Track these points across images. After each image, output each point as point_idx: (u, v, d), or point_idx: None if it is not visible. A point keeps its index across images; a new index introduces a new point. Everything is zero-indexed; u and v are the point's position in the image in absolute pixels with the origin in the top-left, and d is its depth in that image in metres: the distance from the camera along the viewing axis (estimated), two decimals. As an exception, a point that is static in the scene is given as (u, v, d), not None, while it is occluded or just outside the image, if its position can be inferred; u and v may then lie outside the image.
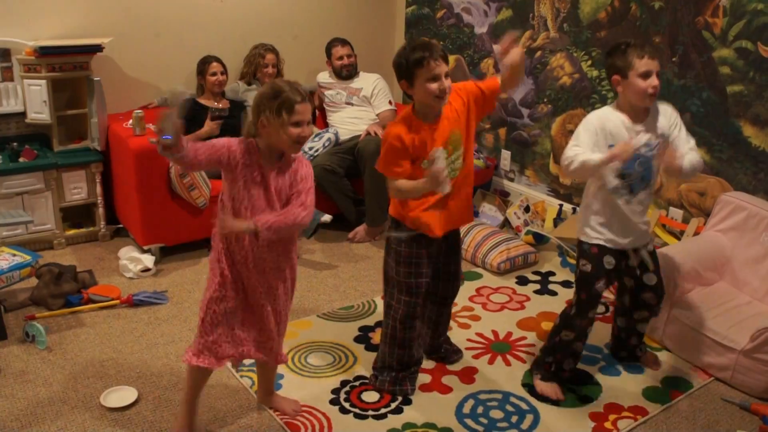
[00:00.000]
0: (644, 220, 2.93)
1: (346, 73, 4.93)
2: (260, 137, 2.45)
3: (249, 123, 2.49)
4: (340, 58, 4.91)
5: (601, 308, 3.66)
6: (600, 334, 3.40)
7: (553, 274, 4.19)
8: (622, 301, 3.17)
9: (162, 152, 2.34)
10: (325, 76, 5.04)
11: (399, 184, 2.69)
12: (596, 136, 2.74)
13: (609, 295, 3.65)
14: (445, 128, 2.71)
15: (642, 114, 2.78)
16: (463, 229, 4.34)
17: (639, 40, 2.78)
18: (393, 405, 2.95)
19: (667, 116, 2.83)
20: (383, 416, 2.88)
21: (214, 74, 4.63)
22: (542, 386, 3.06)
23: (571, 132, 4.46)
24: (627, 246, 2.93)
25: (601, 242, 2.88)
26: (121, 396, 2.95)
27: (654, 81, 2.68)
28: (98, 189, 4.40)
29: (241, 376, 3.09)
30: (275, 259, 2.56)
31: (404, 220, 2.83)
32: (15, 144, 4.24)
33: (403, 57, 2.64)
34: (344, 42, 4.90)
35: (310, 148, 4.61)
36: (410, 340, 2.99)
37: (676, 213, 4.02)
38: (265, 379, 2.88)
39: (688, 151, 2.79)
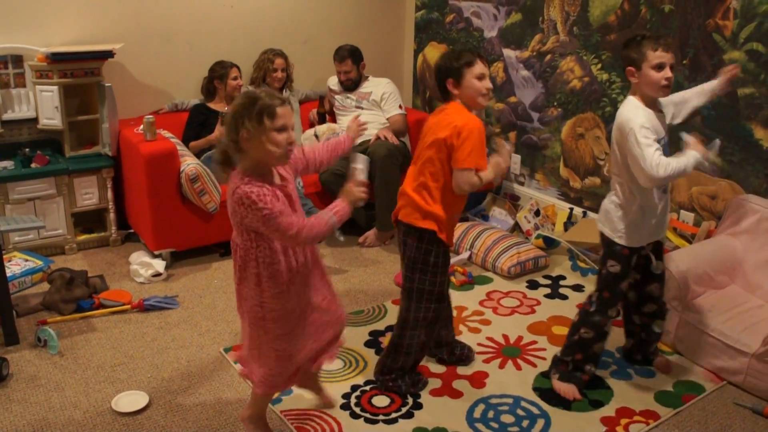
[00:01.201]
0: (669, 207, 2.99)
1: (346, 86, 4.93)
2: (244, 156, 2.27)
3: (225, 146, 2.31)
4: (339, 73, 4.93)
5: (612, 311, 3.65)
6: (612, 338, 3.38)
7: (563, 278, 4.18)
8: (628, 299, 3.17)
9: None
10: (334, 81, 5.05)
11: (485, 176, 2.78)
12: (652, 129, 2.75)
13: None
14: None
15: (656, 105, 2.82)
16: (473, 233, 4.37)
17: (654, 33, 2.79)
18: (404, 410, 2.94)
19: (666, 105, 2.90)
20: (394, 421, 2.88)
21: (235, 78, 4.65)
22: (559, 386, 3.05)
23: (582, 135, 4.49)
24: (652, 239, 2.97)
25: (638, 244, 2.90)
26: (133, 401, 2.95)
27: (667, 73, 2.71)
28: (109, 194, 4.42)
29: (252, 381, 3.09)
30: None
31: (440, 226, 2.86)
32: (27, 150, 4.27)
33: (452, 59, 2.83)
34: (343, 58, 4.85)
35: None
36: (425, 346, 3.05)
37: (688, 216, 4.00)
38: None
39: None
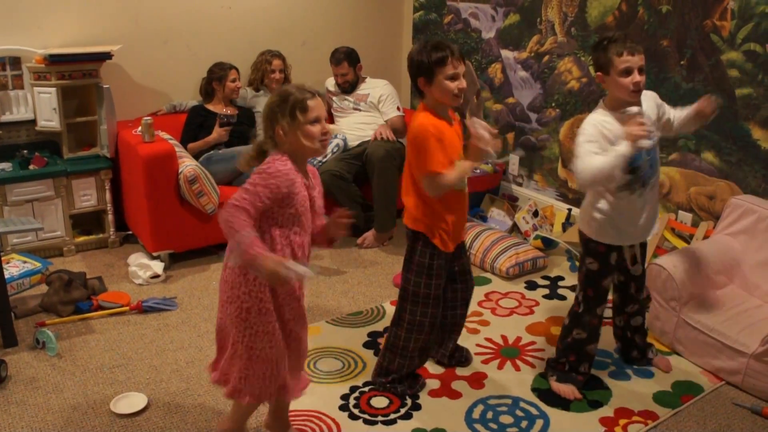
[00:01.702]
0: (655, 210, 2.95)
1: (344, 88, 4.94)
2: (282, 150, 2.32)
3: (261, 142, 2.37)
4: (336, 75, 4.93)
5: (609, 312, 3.65)
6: (609, 338, 3.39)
7: (562, 278, 4.18)
8: (614, 299, 3.20)
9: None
10: (332, 83, 5.05)
11: (448, 178, 2.65)
12: (599, 143, 2.69)
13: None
14: (459, 132, 2.81)
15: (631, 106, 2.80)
16: (471, 234, 4.37)
17: (620, 34, 2.72)
18: (402, 411, 2.94)
19: (648, 99, 2.83)
20: (393, 422, 2.88)
21: (234, 81, 4.65)
22: (559, 387, 3.06)
23: (580, 136, 4.49)
24: (634, 241, 2.95)
25: (612, 242, 2.89)
26: (131, 402, 2.95)
27: (635, 77, 2.66)
28: (108, 196, 4.42)
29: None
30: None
31: (432, 230, 2.84)
32: (25, 151, 4.26)
33: (423, 55, 2.69)
34: (339, 61, 4.85)
35: (318, 154, 4.62)
36: (421, 350, 3.04)
37: (686, 217, 4.01)
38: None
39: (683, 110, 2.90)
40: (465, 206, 2.91)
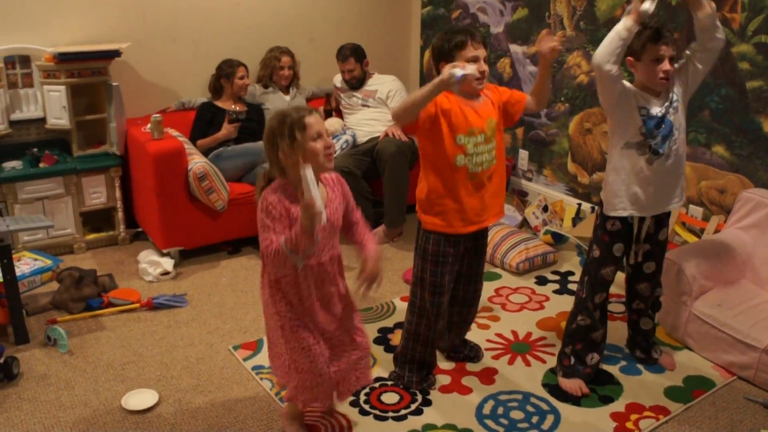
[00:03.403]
0: (671, 189, 2.91)
1: (351, 84, 4.93)
2: (288, 173, 2.32)
3: (268, 171, 2.37)
4: (343, 72, 4.92)
5: (620, 307, 3.64)
6: (620, 333, 3.38)
7: (572, 273, 4.17)
8: (626, 292, 3.21)
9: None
10: (339, 80, 5.05)
11: (409, 101, 2.58)
12: (628, 91, 2.78)
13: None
14: (488, 108, 2.79)
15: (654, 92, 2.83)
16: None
17: (659, 24, 2.77)
18: (413, 406, 2.94)
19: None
20: (403, 417, 2.88)
21: (242, 78, 4.66)
22: (565, 383, 3.06)
23: (589, 131, 4.47)
24: (643, 212, 2.91)
25: (619, 211, 2.88)
26: (142, 399, 2.96)
27: (665, 66, 2.72)
28: (117, 193, 4.43)
29: (261, 379, 3.10)
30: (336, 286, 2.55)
31: (429, 226, 2.84)
32: (35, 150, 4.28)
33: (444, 40, 2.71)
34: (345, 57, 4.84)
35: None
36: (434, 338, 3.03)
37: (696, 211, 3.99)
38: None
39: None
40: (481, 194, 2.83)
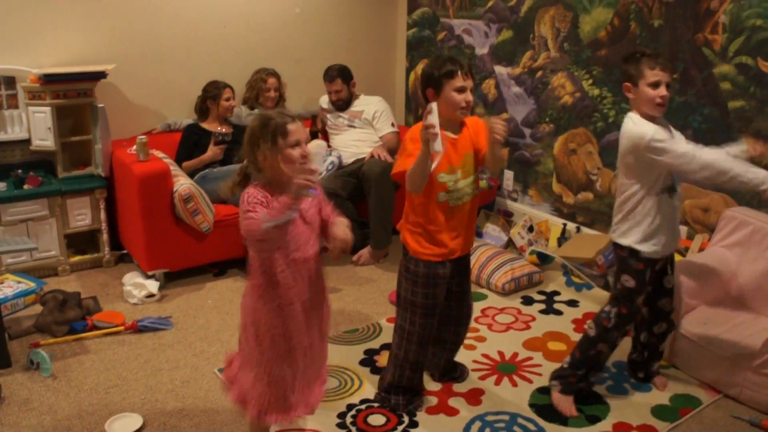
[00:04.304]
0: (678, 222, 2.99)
1: (338, 105, 4.95)
2: (264, 175, 2.37)
3: (244, 166, 2.42)
4: (329, 93, 4.94)
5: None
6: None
7: (558, 293, 4.17)
8: (641, 314, 3.17)
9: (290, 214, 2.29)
10: (325, 101, 5.06)
11: (409, 171, 2.66)
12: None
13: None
14: (465, 143, 2.81)
15: (657, 121, 2.83)
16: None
17: (654, 51, 2.82)
18: (400, 428, 2.92)
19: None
20: (390, 439, 2.86)
21: (228, 99, 4.66)
22: (559, 399, 3.04)
23: (574, 151, 4.50)
24: (671, 249, 2.97)
25: (653, 255, 2.88)
26: (126, 423, 2.93)
27: (662, 91, 2.74)
28: (102, 215, 4.41)
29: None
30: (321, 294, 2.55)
31: (418, 254, 2.85)
32: (20, 171, 4.26)
33: (434, 67, 2.76)
34: (332, 78, 4.87)
35: (314, 172, 4.62)
36: (423, 363, 3.03)
37: (681, 230, 4.01)
38: None
39: None
40: (461, 224, 2.88)
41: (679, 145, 2.72)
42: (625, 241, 2.90)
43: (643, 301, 3.06)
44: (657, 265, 3.00)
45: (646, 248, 2.87)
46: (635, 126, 2.78)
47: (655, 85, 2.74)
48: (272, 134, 2.31)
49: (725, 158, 2.68)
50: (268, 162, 2.33)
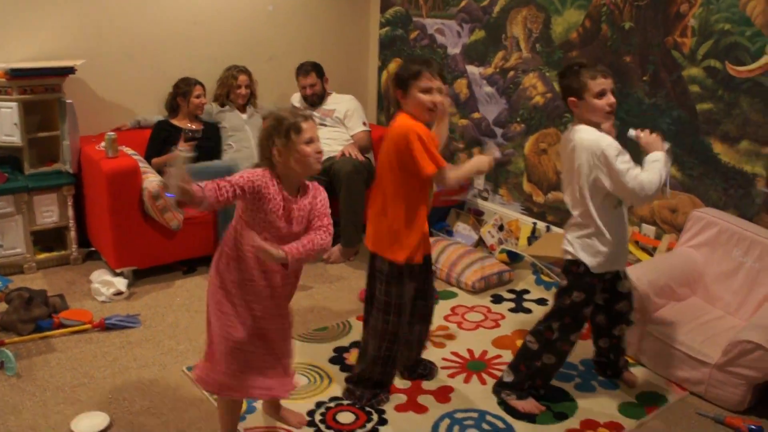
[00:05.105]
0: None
1: (311, 100, 4.94)
2: (277, 169, 2.46)
3: (258, 164, 2.51)
4: (303, 87, 4.93)
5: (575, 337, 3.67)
6: (575, 350, 3.40)
7: (527, 292, 4.20)
8: (597, 322, 3.18)
9: (177, 208, 2.37)
10: (297, 98, 5.05)
11: (457, 172, 2.77)
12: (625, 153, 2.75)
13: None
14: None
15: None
16: (437, 249, 4.37)
17: (590, 60, 2.82)
18: (369, 426, 2.92)
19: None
20: (359, 437, 2.86)
21: (198, 96, 4.63)
22: (523, 405, 3.04)
23: (545, 151, 4.53)
24: (625, 261, 3.00)
25: (606, 269, 2.88)
26: (93, 422, 2.89)
27: (610, 98, 2.74)
28: (70, 212, 4.35)
29: (216, 400, 3.05)
30: (290, 286, 2.65)
31: (394, 253, 2.86)
32: (-15, 167, 4.20)
33: (403, 68, 2.79)
34: (307, 71, 4.89)
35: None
36: (393, 359, 3.03)
37: (649, 230, 4.05)
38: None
39: None
40: (426, 217, 2.92)
41: (639, 174, 2.68)
42: (583, 258, 2.85)
43: (598, 308, 3.08)
44: (607, 276, 2.98)
45: (601, 266, 2.86)
46: (591, 135, 2.73)
47: (601, 94, 2.72)
48: (286, 131, 2.42)
49: (659, 167, 2.70)
50: (282, 158, 2.43)
